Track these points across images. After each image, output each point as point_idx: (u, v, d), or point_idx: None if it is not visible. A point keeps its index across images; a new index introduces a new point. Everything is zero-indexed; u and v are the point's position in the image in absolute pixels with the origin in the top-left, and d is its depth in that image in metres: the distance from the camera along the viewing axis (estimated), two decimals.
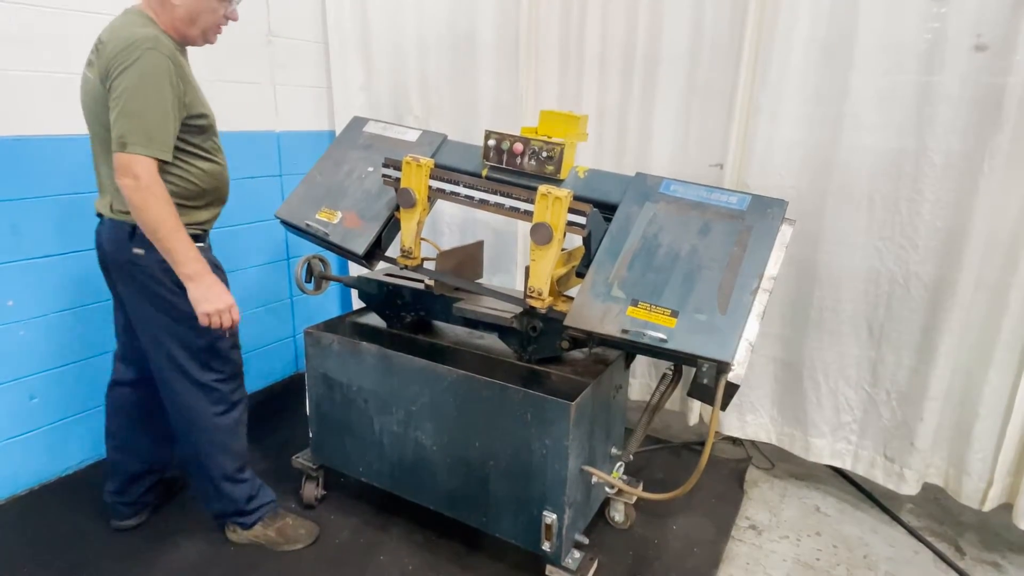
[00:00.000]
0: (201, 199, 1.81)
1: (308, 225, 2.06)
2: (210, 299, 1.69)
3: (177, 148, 1.70)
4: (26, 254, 2.21)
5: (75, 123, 2.27)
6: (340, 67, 3.13)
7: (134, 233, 1.71)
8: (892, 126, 2.06)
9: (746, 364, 1.55)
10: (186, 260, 1.66)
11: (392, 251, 2.10)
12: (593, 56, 2.55)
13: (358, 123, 2.31)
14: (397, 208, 1.99)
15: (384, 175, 1.97)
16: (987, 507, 2.10)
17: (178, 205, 1.70)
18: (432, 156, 2.02)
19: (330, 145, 2.29)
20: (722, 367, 1.51)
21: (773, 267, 1.63)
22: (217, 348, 1.86)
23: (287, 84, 3.02)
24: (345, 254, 2.06)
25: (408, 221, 1.97)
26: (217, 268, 1.84)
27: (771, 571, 2.03)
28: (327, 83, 3.20)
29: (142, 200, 1.60)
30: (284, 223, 2.14)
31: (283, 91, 3.00)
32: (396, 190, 1.95)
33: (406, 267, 2.02)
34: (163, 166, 1.67)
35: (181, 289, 1.72)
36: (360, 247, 2.01)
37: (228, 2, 1.75)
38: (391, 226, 2.06)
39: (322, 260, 2.32)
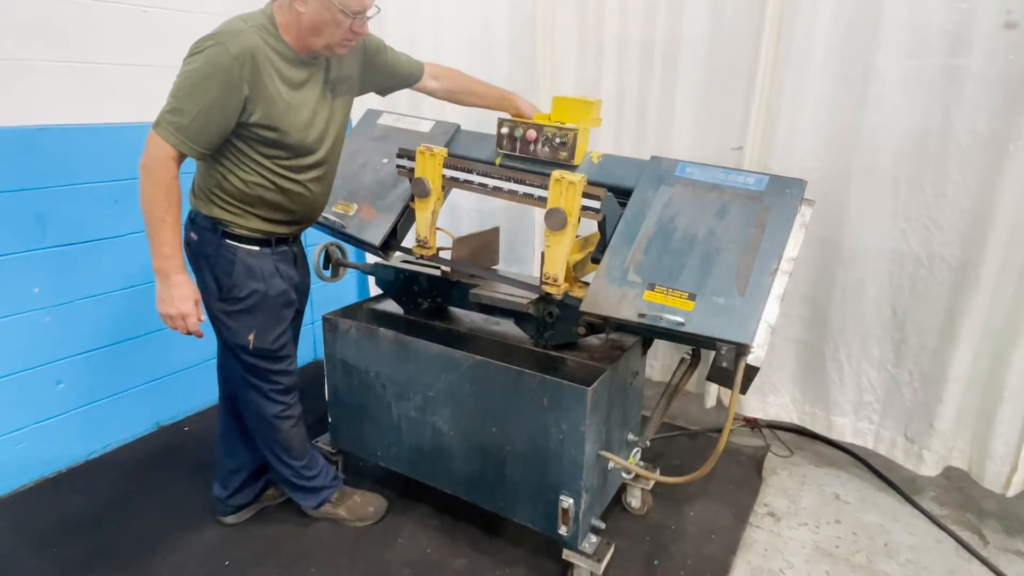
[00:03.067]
0: (264, 209, 1.74)
1: (325, 218, 2.09)
2: (165, 301, 1.62)
3: (241, 152, 1.66)
4: (51, 242, 2.25)
5: (98, 113, 2.32)
6: None
7: (192, 218, 1.77)
8: (918, 106, 2.01)
9: (766, 346, 1.53)
10: (158, 255, 1.59)
11: (408, 241, 2.11)
12: (612, 39, 2.52)
13: (372, 115, 2.32)
14: (412, 198, 1.99)
15: (398, 165, 1.97)
16: (1011, 492, 2.07)
17: (233, 205, 1.70)
18: (446, 146, 2.01)
19: (345, 138, 2.30)
20: (741, 349, 1.50)
21: (793, 248, 1.61)
22: (239, 354, 1.83)
23: None
24: (362, 245, 2.08)
25: (423, 211, 1.97)
26: (281, 276, 1.81)
27: (789, 558, 2.02)
28: None
29: (143, 180, 1.55)
30: None
31: None
32: (410, 180, 1.95)
33: (422, 257, 2.03)
34: (219, 161, 1.66)
35: (219, 286, 1.74)
36: (376, 238, 2.02)
37: (352, 17, 1.58)
38: (407, 216, 2.07)
39: (339, 247, 2.33)
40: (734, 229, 1.62)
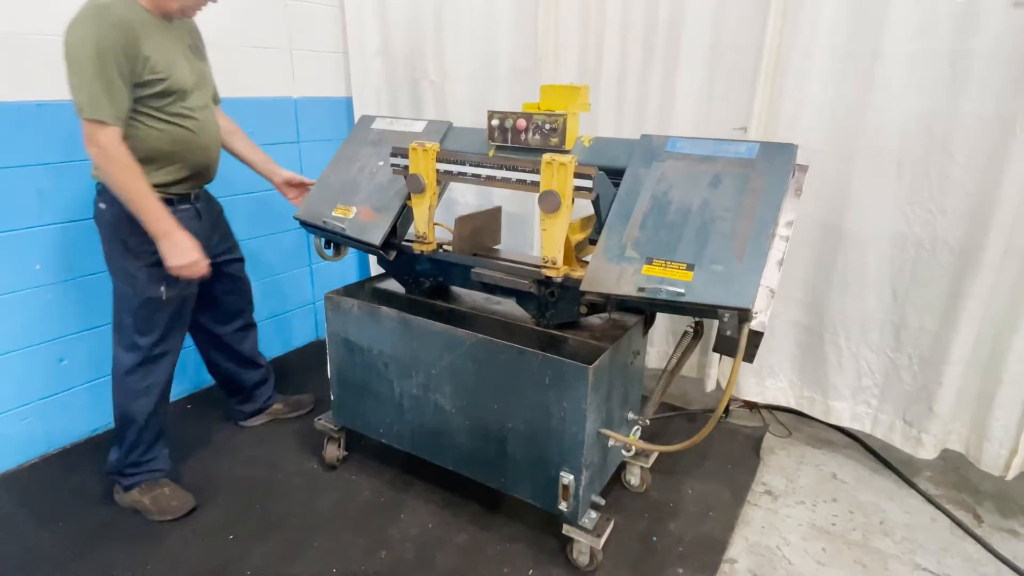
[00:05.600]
0: (160, 164, 1.89)
1: (325, 222, 2.12)
2: (175, 255, 1.84)
3: (137, 111, 1.79)
4: (52, 219, 2.25)
5: None
6: (357, 31, 3.09)
7: (98, 190, 1.92)
8: (924, 87, 1.99)
9: (769, 312, 1.54)
10: (156, 220, 1.81)
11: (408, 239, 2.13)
12: (614, 17, 2.49)
13: (366, 121, 2.36)
14: (409, 196, 2.02)
15: (393, 164, 2.00)
16: (1010, 475, 2.08)
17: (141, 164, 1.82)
18: (439, 143, 2.03)
19: (341, 145, 2.34)
20: (743, 315, 1.51)
21: (789, 212, 1.62)
22: (148, 307, 1.96)
23: (304, 49, 3.00)
24: (363, 247, 2.11)
25: (419, 206, 2.00)
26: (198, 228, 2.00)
27: (786, 535, 2.05)
28: (344, 48, 3.17)
29: (109, 168, 1.75)
30: (303, 223, 2.20)
31: (300, 56, 2.98)
32: (405, 177, 1.98)
33: (422, 252, 2.06)
34: (125, 130, 1.77)
35: (126, 246, 1.90)
36: (376, 238, 2.05)
37: None
38: (405, 215, 2.09)
39: None
40: (728, 197, 1.63)
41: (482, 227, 2.18)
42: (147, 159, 1.84)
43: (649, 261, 1.62)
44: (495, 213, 2.26)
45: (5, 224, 2.14)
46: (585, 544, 1.83)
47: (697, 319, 1.94)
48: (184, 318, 2.08)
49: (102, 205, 1.91)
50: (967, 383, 2.15)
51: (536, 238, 2.83)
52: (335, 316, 2.15)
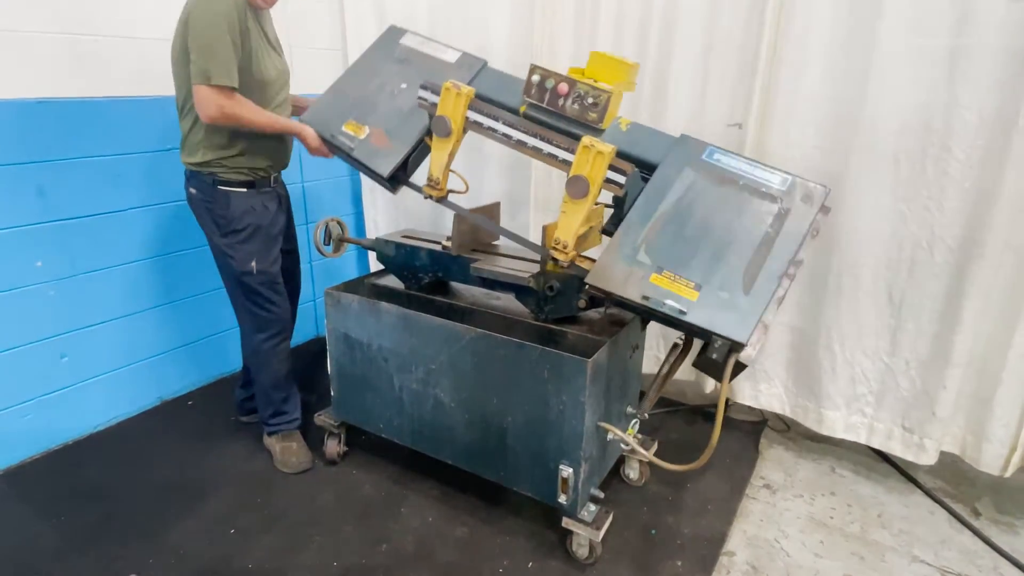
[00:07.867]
0: (234, 147, 2.02)
1: (333, 136, 2.00)
2: (307, 145, 2.05)
3: None
4: (52, 216, 2.25)
5: (95, 86, 2.31)
6: (356, 28, 3.10)
7: (188, 176, 2.08)
8: (922, 80, 1.97)
9: (759, 346, 1.52)
10: (286, 129, 2.02)
11: (417, 178, 2.03)
12: (609, 7, 2.47)
13: (394, 34, 2.15)
14: (428, 134, 1.89)
15: (420, 98, 1.87)
16: (1008, 472, 2.07)
17: (221, 149, 1.99)
18: (471, 82, 1.90)
19: (362, 53, 2.17)
20: (735, 346, 1.49)
21: (802, 252, 1.59)
22: (244, 281, 2.12)
23: (302, 46, 3.01)
24: (368, 173, 2.00)
25: (439, 150, 1.87)
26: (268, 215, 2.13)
27: (784, 528, 2.06)
28: (342, 45, 3.17)
29: (234, 120, 1.90)
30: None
31: (298, 53, 2.98)
32: (430, 116, 1.86)
33: (430, 197, 1.96)
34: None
35: (218, 226, 2.06)
36: (385, 168, 1.94)
37: None
38: (420, 151, 1.98)
39: (340, 223, 2.34)
40: (750, 226, 1.60)
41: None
42: (226, 145, 1.99)
43: (659, 270, 1.59)
44: (494, 209, 2.27)
45: (5, 221, 2.15)
46: (584, 537, 1.84)
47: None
48: (279, 284, 2.20)
49: (192, 190, 2.07)
50: (964, 384, 2.11)
51: (532, 220, 2.81)
52: (335, 312, 2.15)
